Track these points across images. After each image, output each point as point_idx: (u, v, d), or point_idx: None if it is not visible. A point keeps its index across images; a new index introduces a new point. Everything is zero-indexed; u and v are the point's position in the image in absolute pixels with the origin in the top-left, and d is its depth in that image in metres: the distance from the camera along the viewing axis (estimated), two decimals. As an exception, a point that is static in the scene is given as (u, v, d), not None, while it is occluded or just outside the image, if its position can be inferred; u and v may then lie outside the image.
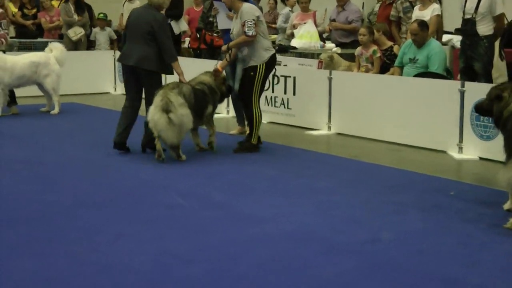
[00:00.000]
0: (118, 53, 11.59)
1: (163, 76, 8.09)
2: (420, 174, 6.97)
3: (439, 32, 9.85)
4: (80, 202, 5.83)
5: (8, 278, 4.18)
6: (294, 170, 7.13)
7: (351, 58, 10.28)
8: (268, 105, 10.08)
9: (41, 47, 11.45)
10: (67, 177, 6.77)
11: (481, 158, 7.61)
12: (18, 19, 14.60)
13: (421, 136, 8.21)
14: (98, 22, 14.83)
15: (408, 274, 4.28)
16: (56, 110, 10.81)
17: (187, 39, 13.70)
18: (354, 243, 4.84)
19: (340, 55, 10.48)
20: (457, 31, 9.26)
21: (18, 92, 10.95)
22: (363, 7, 12.67)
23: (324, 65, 10.04)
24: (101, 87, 13.63)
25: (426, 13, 9.54)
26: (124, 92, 7.97)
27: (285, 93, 9.92)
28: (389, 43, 9.87)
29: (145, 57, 7.50)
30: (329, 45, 11.22)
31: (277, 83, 9.99)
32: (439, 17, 9.74)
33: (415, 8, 9.93)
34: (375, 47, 9.67)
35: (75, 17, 14.02)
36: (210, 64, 9.03)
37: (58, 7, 14.71)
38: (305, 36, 11.04)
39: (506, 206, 5.57)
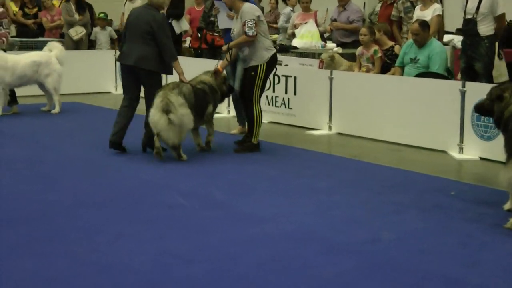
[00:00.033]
0: (118, 53, 11.58)
1: (163, 76, 8.07)
2: (420, 174, 6.97)
3: (440, 32, 9.85)
4: (80, 202, 5.83)
5: (8, 278, 4.18)
6: (295, 170, 7.13)
7: (352, 58, 10.28)
8: (268, 104, 10.08)
9: (42, 47, 11.44)
10: (67, 177, 6.77)
11: (481, 158, 7.61)
12: (19, 18, 14.61)
13: (422, 136, 8.20)
14: (98, 22, 14.84)
15: (408, 274, 4.28)
16: (56, 109, 10.81)
17: (188, 39, 13.70)
18: (354, 243, 4.83)
19: (341, 55, 10.48)
20: (458, 31, 9.26)
21: (19, 92, 10.95)
22: (364, 7, 12.67)
23: (325, 65, 10.04)
24: (102, 87, 13.64)
25: (427, 13, 9.54)
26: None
27: (286, 93, 9.92)
28: (390, 43, 9.87)
29: (145, 57, 7.49)
30: (330, 45, 11.22)
31: (278, 83, 9.98)
32: (440, 17, 9.74)
33: (416, 8, 9.94)
34: (376, 47, 9.66)
35: (76, 16, 14.04)
36: (211, 64, 9.02)
37: (59, 6, 14.72)
38: (306, 36, 11.04)
39: (506, 206, 5.57)
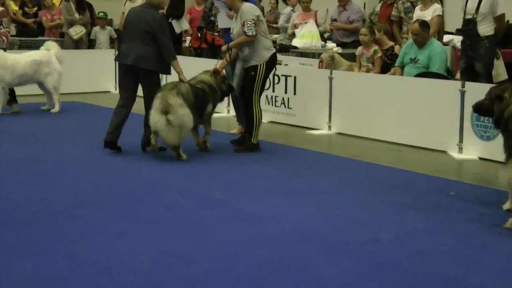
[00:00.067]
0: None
1: (162, 76, 8.07)
2: (420, 174, 6.97)
3: (440, 32, 9.84)
4: (80, 202, 5.83)
5: (8, 278, 4.17)
6: (295, 169, 7.13)
7: (352, 58, 10.28)
8: (268, 104, 10.08)
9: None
10: (67, 176, 6.76)
11: (481, 158, 7.62)
12: (19, 18, 14.61)
13: (422, 136, 8.21)
14: (98, 21, 14.83)
15: (408, 274, 4.28)
16: (56, 108, 10.81)
17: (188, 38, 13.70)
18: (354, 243, 4.84)
19: (341, 55, 10.48)
20: (458, 31, 9.25)
21: (18, 91, 10.95)
22: (364, 7, 12.67)
23: (325, 64, 10.04)
24: (101, 86, 13.64)
25: (427, 13, 9.53)
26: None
27: (285, 92, 9.92)
28: (390, 43, 9.87)
29: (143, 57, 7.48)
30: (330, 44, 11.22)
31: (278, 83, 9.98)
32: (440, 17, 9.73)
33: (416, 8, 9.93)
34: (376, 47, 9.66)
35: (76, 15, 14.03)
36: (211, 63, 9.03)
37: (59, 5, 14.72)
38: (306, 35, 11.04)
39: (506, 206, 5.57)
